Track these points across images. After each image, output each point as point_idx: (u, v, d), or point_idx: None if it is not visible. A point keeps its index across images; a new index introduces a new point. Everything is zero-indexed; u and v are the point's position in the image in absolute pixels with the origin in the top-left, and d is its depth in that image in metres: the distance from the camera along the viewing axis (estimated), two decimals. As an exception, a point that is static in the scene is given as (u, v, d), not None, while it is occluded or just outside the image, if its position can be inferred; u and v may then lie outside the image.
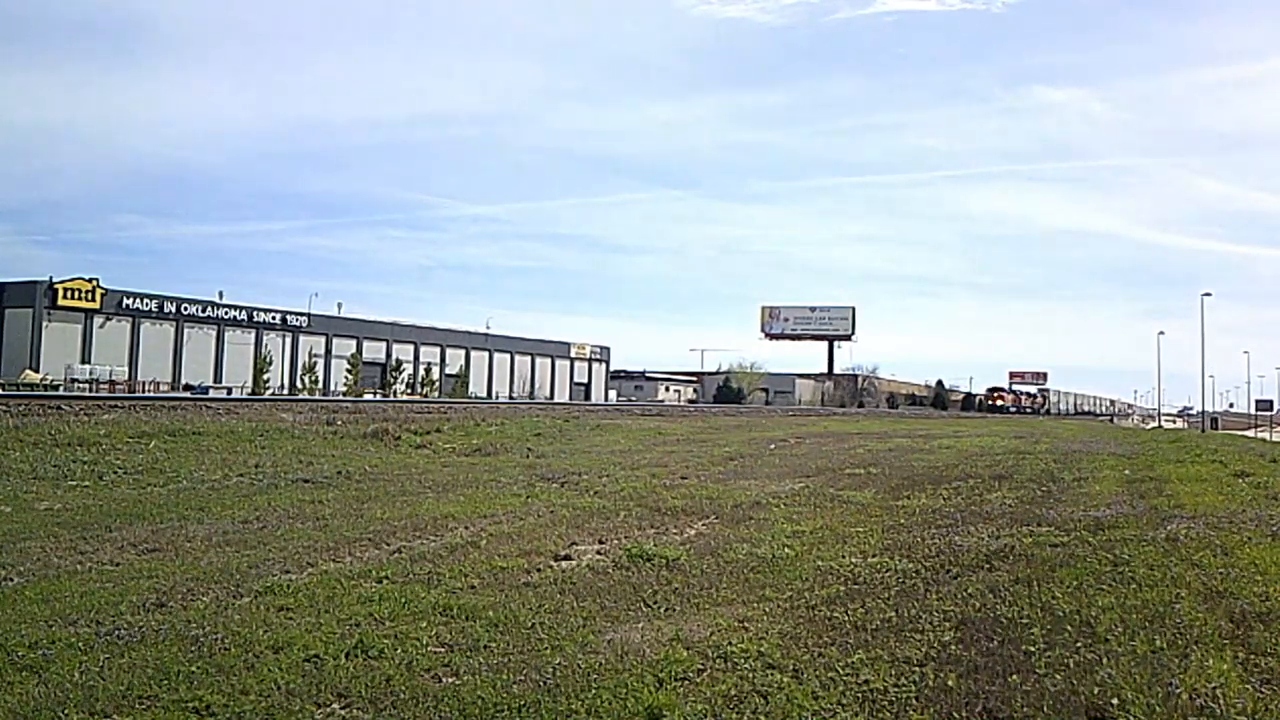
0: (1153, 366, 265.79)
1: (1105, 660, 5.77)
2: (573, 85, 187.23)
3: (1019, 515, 11.84)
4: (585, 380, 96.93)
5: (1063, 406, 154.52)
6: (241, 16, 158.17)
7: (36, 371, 53.10)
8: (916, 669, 5.66)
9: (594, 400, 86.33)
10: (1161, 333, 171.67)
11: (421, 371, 78.67)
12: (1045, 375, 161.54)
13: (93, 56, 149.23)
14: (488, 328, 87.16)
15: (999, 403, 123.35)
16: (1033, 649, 6.03)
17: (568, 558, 9.05)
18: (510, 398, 78.84)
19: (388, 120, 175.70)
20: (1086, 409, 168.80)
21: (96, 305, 58.89)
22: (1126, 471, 18.90)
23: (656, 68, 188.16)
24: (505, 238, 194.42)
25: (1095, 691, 5.25)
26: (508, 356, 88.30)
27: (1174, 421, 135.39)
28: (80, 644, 5.99)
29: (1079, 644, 6.13)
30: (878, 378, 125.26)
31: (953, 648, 6.09)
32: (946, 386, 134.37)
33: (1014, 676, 5.51)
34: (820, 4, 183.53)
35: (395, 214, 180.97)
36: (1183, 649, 5.98)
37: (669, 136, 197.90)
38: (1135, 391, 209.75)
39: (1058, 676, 5.51)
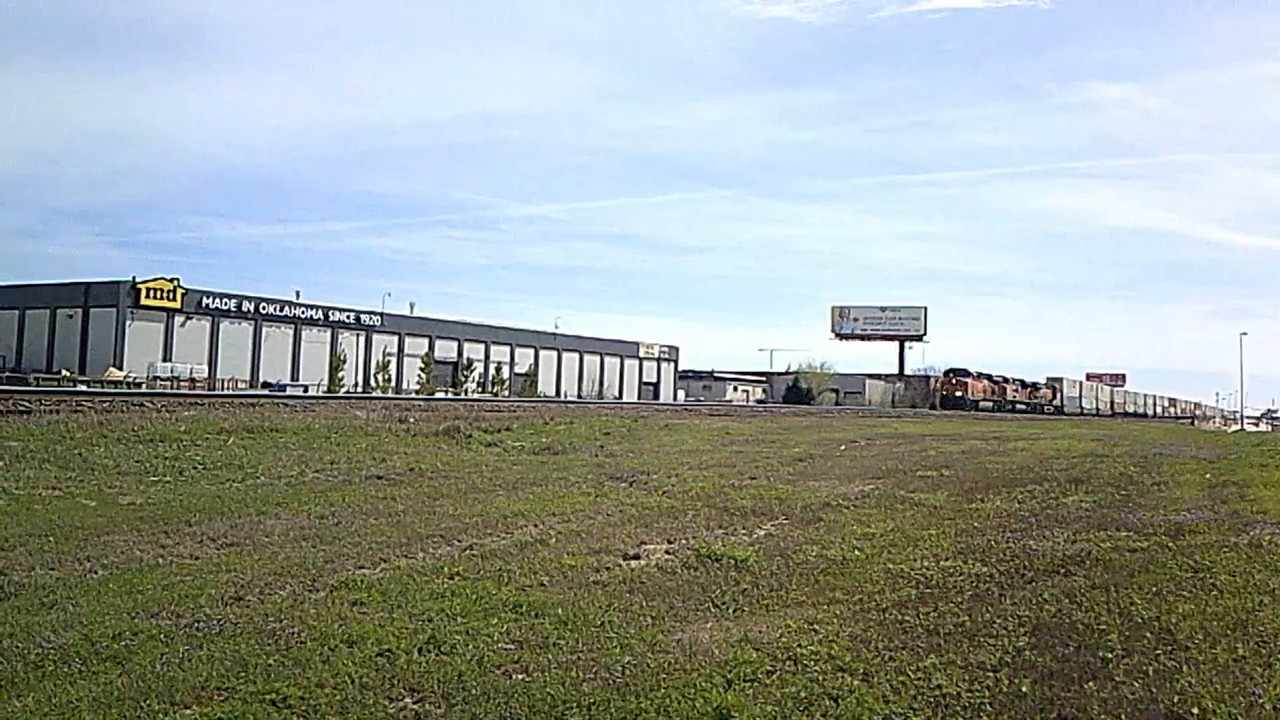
0: (1232, 368, 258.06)
1: (1185, 668, 5.64)
2: (620, 86, 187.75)
3: (1096, 519, 11.61)
4: (654, 380, 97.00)
5: (1086, 404, 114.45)
6: (297, 20, 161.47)
7: (120, 369, 54.54)
8: (990, 674, 5.58)
9: (662, 400, 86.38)
10: (1244, 334, 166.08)
11: (492, 370, 79.36)
12: (1124, 377, 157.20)
13: (157, 62, 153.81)
14: (556, 327, 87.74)
15: (958, 395, 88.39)
16: (1110, 655, 5.92)
17: (636, 557, 9.07)
18: (579, 397, 79.20)
19: (441, 121, 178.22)
20: (1135, 409, 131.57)
21: (178, 305, 60.32)
22: (1208, 476, 18.42)
23: (703, 68, 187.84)
24: (562, 237, 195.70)
25: (1175, 700, 5.14)
26: (576, 356, 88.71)
27: (1256, 424, 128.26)
28: (161, 635, 6.14)
29: (1158, 651, 6.00)
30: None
31: (1027, 653, 5.99)
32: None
33: (1090, 683, 5.41)
34: (863, 2, 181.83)
35: (453, 214, 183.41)
36: (1266, 658, 5.83)
37: (719, 136, 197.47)
38: (1217, 394, 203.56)
39: (1136, 684, 5.39)
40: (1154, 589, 7.66)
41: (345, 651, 5.86)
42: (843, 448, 24.34)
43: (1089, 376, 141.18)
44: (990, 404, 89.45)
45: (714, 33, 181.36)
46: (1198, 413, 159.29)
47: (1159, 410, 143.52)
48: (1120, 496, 14.26)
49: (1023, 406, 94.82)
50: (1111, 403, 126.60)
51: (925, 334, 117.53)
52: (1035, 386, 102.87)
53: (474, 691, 5.25)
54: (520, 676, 5.52)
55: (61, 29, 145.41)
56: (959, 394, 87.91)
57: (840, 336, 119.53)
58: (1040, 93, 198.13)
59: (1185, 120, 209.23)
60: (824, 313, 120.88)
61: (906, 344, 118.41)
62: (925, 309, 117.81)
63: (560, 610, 6.90)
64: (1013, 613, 6.97)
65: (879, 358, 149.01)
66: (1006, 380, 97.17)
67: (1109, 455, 23.07)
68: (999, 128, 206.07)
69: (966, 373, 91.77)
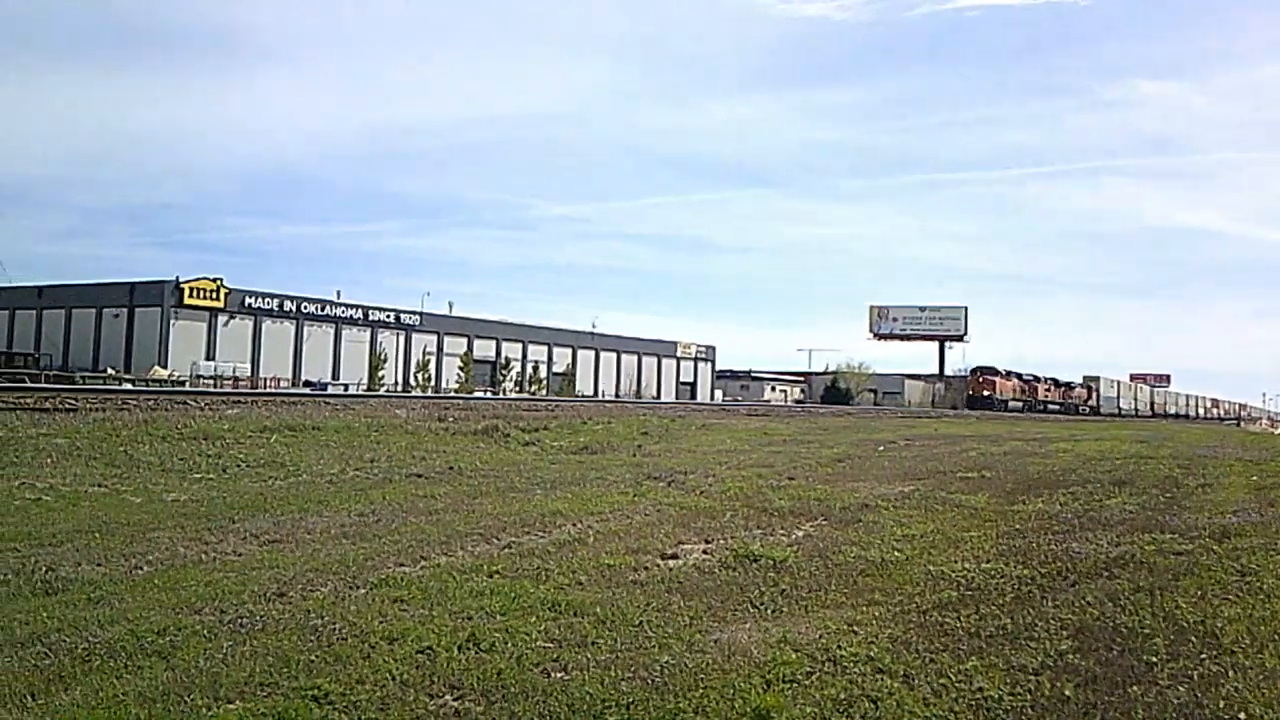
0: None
1: (1231, 673, 5.57)
2: (653, 85, 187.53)
3: (1140, 522, 11.47)
4: (691, 380, 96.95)
5: (1124, 405, 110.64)
6: (335, 24, 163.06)
7: (165, 368, 55.24)
8: (1032, 678, 5.53)
9: (700, 400, 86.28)
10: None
11: (530, 370, 79.64)
12: (1168, 378, 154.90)
13: (197, 65, 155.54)
14: (594, 327, 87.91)
15: (985, 394, 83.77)
16: (1154, 659, 5.84)
17: (674, 556, 9.06)
18: (616, 396, 79.28)
19: (477, 122, 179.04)
20: (1176, 410, 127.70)
21: (221, 304, 61.03)
22: (1254, 478, 18.13)
23: (737, 67, 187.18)
24: (599, 237, 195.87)
25: (1220, 705, 5.07)
26: (614, 355, 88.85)
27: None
28: (205, 631, 6.21)
29: (1203, 655, 5.92)
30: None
31: (1070, 656, 5.93)
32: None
33: (1134, 687, 5.35)
34: (898, 0, 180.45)
35: (488, 215, 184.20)
36: (1316, 664, 5.73)
37: (754, 135, 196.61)
38: (1264, 394, 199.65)
39: (1181, 688, 5.33)
40: (1199, 592, 7.56)
41: (386, 648, 5.90)
42: (882, 448, 24.20)
43: (1133, 377, 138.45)
44: (1020, 404, 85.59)
45: (748, 31, 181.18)
46: (1244, 414, 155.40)
47: (1201, 411, 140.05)
48: (1165, 499, 14.07)
49: (1055, 407, 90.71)
50: (1151, 403, 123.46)
51: (966, 334, 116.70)
52: (1069, 386, 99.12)
53: (513, 689, 5.27)
54: (559, 675, 5.54)
55: (103, 32, 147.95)
56: (986, 393, 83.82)
57: (879, 336, 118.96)
58: (1080, 90, 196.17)
59: (1227, 118, 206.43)
60: (862, 312, 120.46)
61: (947, 344, 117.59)
62: (966, 309, 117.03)
63: (598, 609, 6.91)
64: (1055, 615, 6.90)
65: (918, 358, 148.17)
66: (1038, 379, 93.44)
67: (1153, 457, 22.79)
68: (1038, 126, 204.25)
69: (994, 371, 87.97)
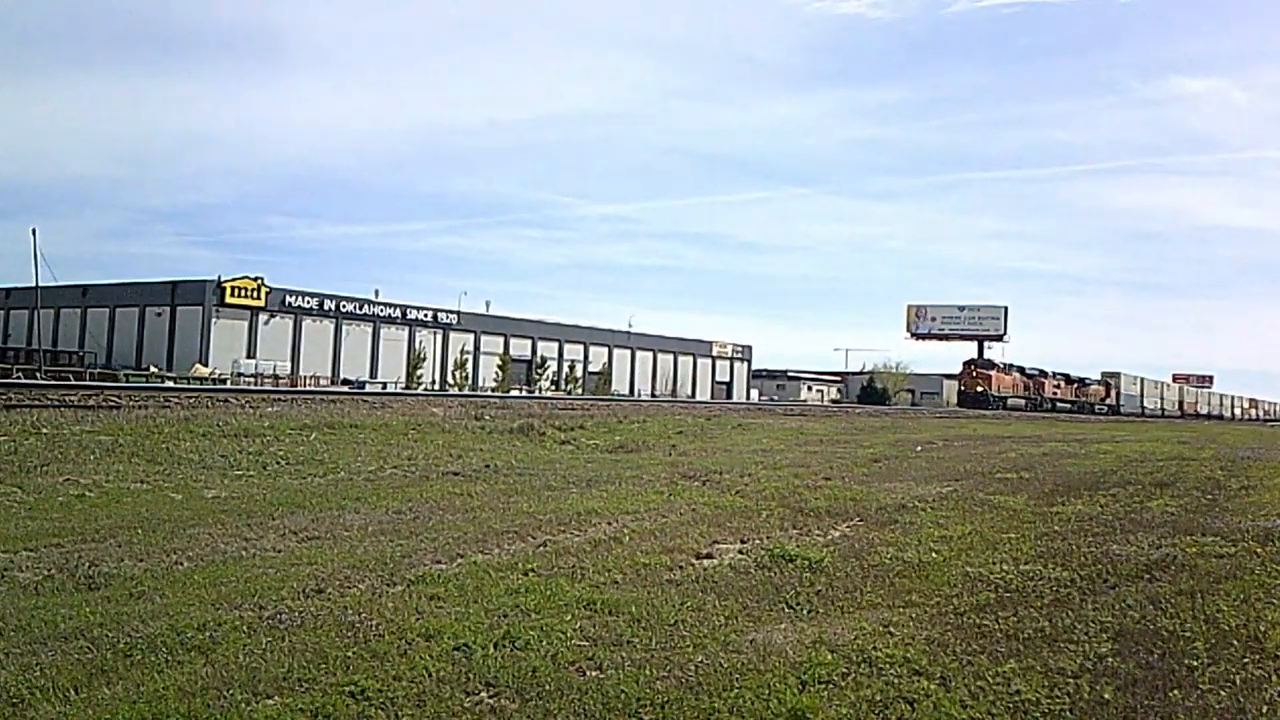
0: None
1: (1274, 677, 5.49)
2: (690, 85, 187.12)
3: (1181, 524, 11.33)
4: (727, 379, 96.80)
5: (1149, 404, 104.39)
6: (376, 25, 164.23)
7: (206, 366, 55.89)
8: (1071, 681, 5.48)
9: (736, 399, 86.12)
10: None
11: (566, 369, 79.84)
12: (1211, 378, 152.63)
13: (240, 66, 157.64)
14: (630, 326, 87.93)
15: (979, 390, 74.15)
16: (1195, 664, 5.77)
17: (710, 556, 9.05)
18: (652, 395, 79.28)
19: (515, 122, 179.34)
20: (1209, 410, 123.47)
21: (261, 303, 61.68)
22: (1300, 480, 17.85)
23: (774, 66, 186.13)
24: (636, 236, 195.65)
25: (1263, 710, 5.00)
26: (650, 354, 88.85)
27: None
28: (244, 627, 6.28)
29: (1246, 660, 5.84)
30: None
31: (1110, 660, 5.87)
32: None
33: (1175, 691, 5.29)
34: None
35: (526, 214, 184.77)
36: (1363, 670, 5.64)
37: (791, 134, 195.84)
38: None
39: (1223, 693, 5.26)
40: (1242, 596, 7.46)
41: (422, 645, 5.94)
42: (919, 449, 24.05)
43: (1175, 377, 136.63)
44: (1023, 401, 77.02)
45: (784, 30, 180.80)
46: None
47: (1238, 412, 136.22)
48: (1207, 501, 13.90)
49: (1066, 405, 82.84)
50: (1181, 403, 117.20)
51: (1005, 334, 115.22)
52: (1083, 383, 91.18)
53: (548, 687, 5.29)
54: (594, 673, 5.55)
55: (147, 34, 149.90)
56: (979, 389, 74.19)
57: (916, 336, 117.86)
58: (1121, 88, 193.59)
59: (1273, 115, 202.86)
60: (900, 312, 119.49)
61: (986, 344, 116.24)
62: (1005, 308, 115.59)
63: (633, 608, 6.91)
64: (1095, 618, 6.84)
65: (957, 358, 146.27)
66: (1045, 374, 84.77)
67: (1195, 459, 22.52)
68: (1079, 124, 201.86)
69: (991, 364, 79.53)
